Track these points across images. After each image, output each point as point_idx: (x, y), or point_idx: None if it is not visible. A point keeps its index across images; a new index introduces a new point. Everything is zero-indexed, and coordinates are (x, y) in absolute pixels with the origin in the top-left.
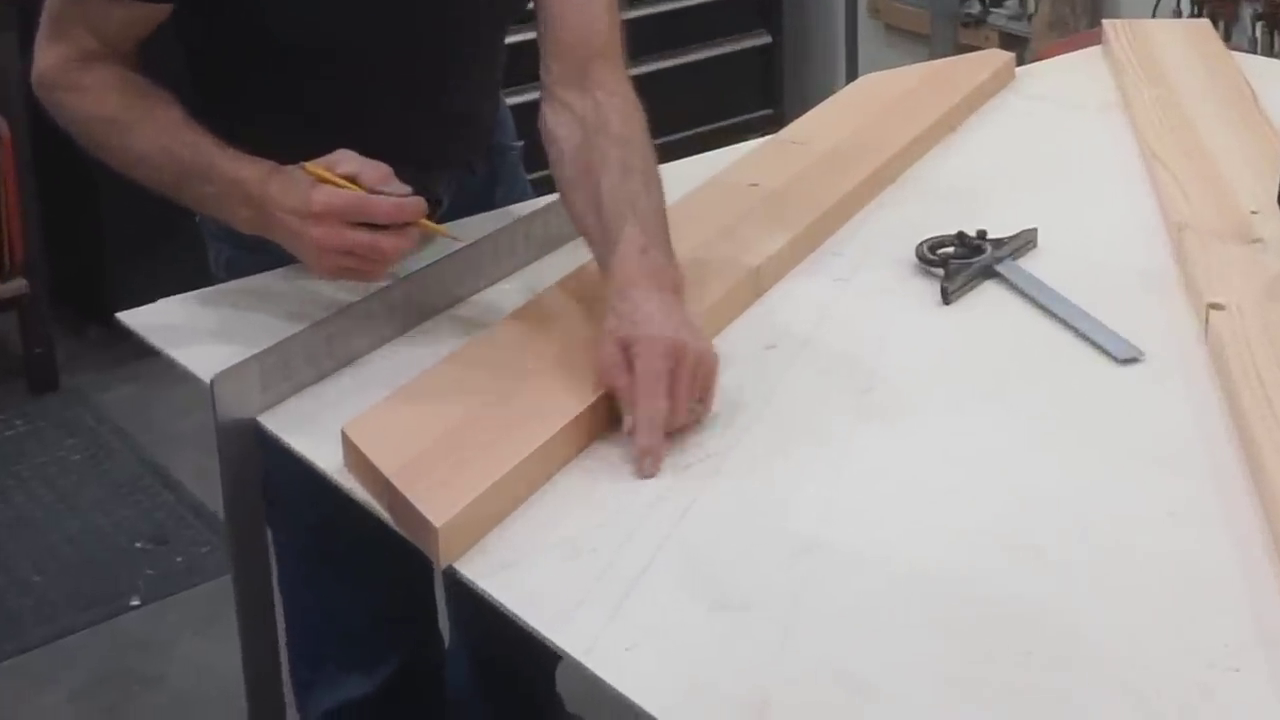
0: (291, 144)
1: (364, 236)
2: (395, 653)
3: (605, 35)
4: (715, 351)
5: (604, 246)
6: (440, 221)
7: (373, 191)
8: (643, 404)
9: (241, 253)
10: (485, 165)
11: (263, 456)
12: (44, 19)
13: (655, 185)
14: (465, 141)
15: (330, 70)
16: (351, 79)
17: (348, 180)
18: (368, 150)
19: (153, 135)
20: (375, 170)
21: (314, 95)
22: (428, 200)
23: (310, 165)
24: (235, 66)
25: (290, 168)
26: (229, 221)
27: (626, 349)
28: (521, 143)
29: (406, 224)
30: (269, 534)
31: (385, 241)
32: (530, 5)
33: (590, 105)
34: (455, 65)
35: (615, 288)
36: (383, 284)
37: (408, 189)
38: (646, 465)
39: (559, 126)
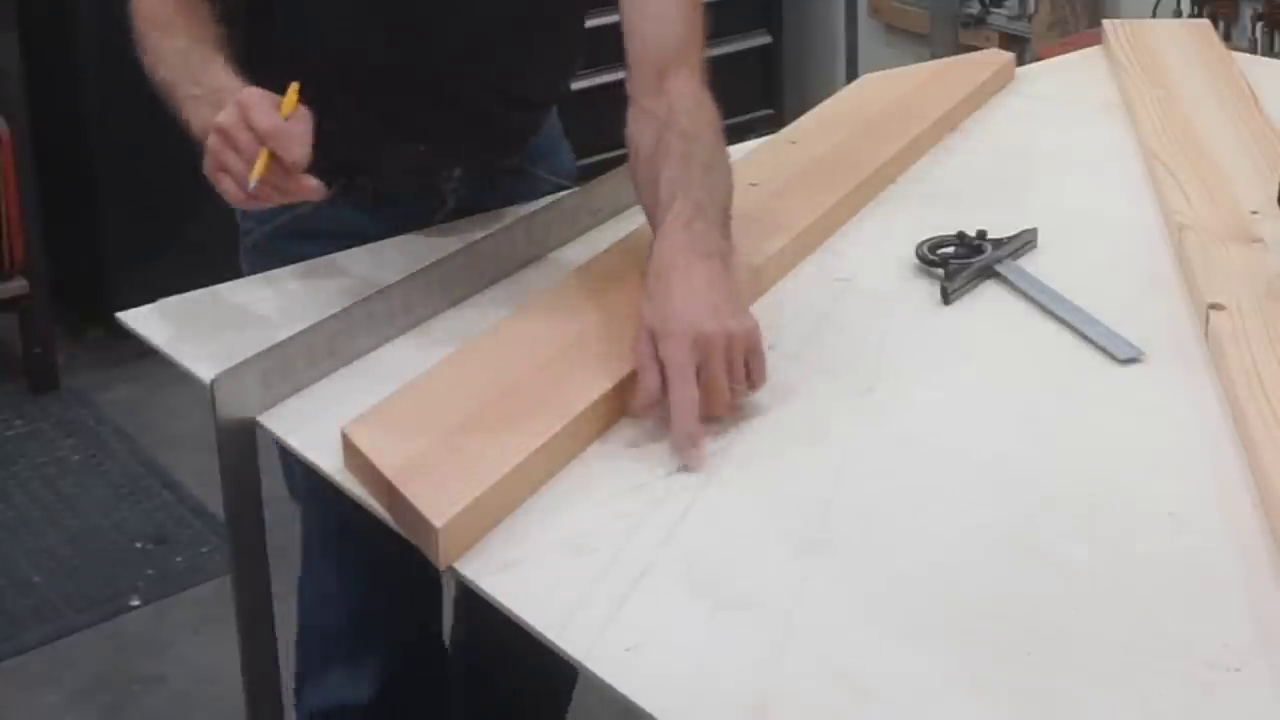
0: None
1: (242, 132)
2: (396, 651)
3: (678, 43)
4: (755, 323)
5: (655, 228)
6: (443, 221)
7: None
8: (674, 393)
9: (273, 237)
10: (507, 180)
11: (281, 449)
12: None
13: (719, 174)
14: (480, 141)
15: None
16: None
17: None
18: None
19: (180, 39)
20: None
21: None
22: (429, 198)
23: (292, 92)
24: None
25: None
26: (193, 123)
27: (655, 341)
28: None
29: (275, 154)
30: (267, 536)
31: (241, 135)
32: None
33: (664, 108)
34: (479, 51)
35: (654, 269)
36: (384, 284)
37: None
38: (690, 455)
39: (637, 134)
